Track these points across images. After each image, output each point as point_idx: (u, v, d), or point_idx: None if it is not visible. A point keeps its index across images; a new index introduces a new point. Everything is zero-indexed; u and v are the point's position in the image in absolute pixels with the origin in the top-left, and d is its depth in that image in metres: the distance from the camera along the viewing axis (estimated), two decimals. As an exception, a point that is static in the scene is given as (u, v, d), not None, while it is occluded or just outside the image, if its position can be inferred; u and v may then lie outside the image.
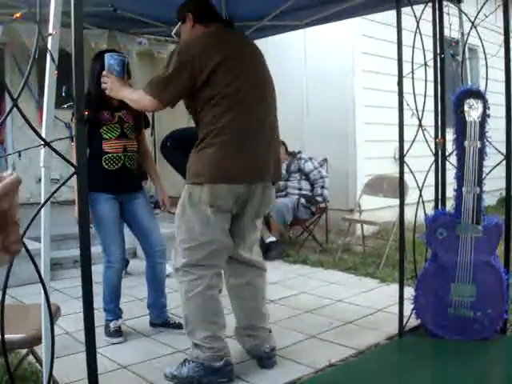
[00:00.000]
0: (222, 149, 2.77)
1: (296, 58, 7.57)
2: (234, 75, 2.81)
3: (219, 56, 2.76)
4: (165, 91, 2.78)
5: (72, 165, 1.83)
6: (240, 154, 2.80)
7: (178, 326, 3.54)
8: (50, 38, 2.00)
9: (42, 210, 1.98)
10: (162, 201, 3.85)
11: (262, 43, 6.91)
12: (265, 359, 3.08)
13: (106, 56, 2.95)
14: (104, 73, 2.96)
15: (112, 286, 3.54)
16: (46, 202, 1.95)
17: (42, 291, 1.95)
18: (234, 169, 2.79)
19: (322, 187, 6.25)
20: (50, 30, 1.99)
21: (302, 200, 6.14)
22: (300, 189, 6.27)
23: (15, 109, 1.79)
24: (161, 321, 3.73)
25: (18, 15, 1.56)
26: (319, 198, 6.26)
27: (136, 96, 2.91)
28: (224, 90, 2.77)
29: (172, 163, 5.76)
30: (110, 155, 3.44)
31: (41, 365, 2.47)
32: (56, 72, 2.02)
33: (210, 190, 2.78)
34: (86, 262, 1.93)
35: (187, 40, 2.92)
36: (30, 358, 2.75)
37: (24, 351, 2.73)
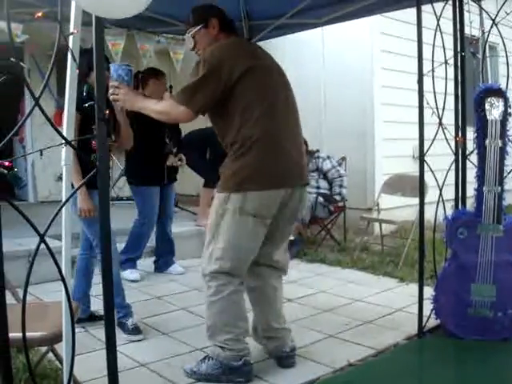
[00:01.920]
0: (263, 154, 2.78)
1: (314, 56, 7.54)
2: (261, 82, 2.85)
3: (246, 64, 2.80)
4: (194, 99, 2.77)
5: (93, 164, 1.83)
6: (279, 159, 2.82)
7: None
8: (71, 37, 2.01)
9: (63, 209, 1.99)
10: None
11: (280, 42, 6.99)
12: (285, 359, 3.08)
13: (113, 66, 2.86)
14: (113, 83, 2.80)
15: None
16: (67, 200, 1.96)
17: (63, 289, 1.96)
18: (277, 173, 2.81)
19: (340, 186, 6.23)
20: (71, 29, 2.00)
21: (320, 199, 6.12)
22: (318, 187, 6.25)
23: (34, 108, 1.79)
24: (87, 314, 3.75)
25: (39, 14, 1.57)
26: (337, 197, 6.24)
27: (165, 107, 2.90)
28: (253, 96, 2.80)
29: (189, 163, 5.81)
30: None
31: (61, 362, 2.49)
32: (77, 70, 2.03)
33: (255, 197, 2.77)
34: (106, 260, 1.94)
35: (215, 47, 2.90)
36: (50, 355, 2.77)
37: (44, 349, 2.76)
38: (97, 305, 3.66)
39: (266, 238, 2.94)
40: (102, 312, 3.53)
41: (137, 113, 2.94)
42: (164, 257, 5.26)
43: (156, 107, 2.90)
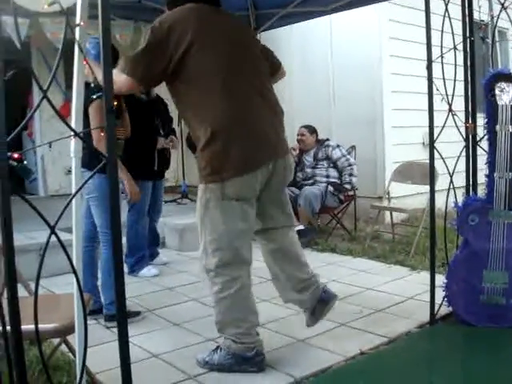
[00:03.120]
0: (231, 139, 2.68)
1: (322, 45, 7.50)
2: (218, 54, 2.71)
3: (197, 32, 2.64)
4: (137, 68, 2.63)
5: (102, 155, 1.83)
6: (249, 140, 2.73)
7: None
8: (77, 29, 2.01)
9: (73, 201, 1.99)
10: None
11: (286, 32, 6.96)
12: (324, 293, 3.08)
13: (91, 40, 2.77)
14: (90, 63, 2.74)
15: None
16: (77, 191, 1.96)
17: (75, 281, 1.97)
18: (250, 157, 2.72)
19: (350, 175, 6.20)
20: (78, 21, 2.00)
21: (330, 188, 6.10)
22: (328, 176, 6.23)
23: (42, 102, 1.79)
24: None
25: (46, 6, 1.57)
26: (347, 186, 6.22)
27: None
28: (209, 72, 2.67)
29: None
30: None
31: (74, 354, 2.51)
32: (84, 61, 2.03)
33: (234, 184, 2.70)
34: (117, 254, 1.94)
35: (165, 14, 2.77)
36: (63, 347, 2.79)
37: (57, 341, 2.77)
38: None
39: (263, 208, 2.91)
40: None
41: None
42: (149, 248, 5.18)
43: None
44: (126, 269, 4.64)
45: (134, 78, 2.65)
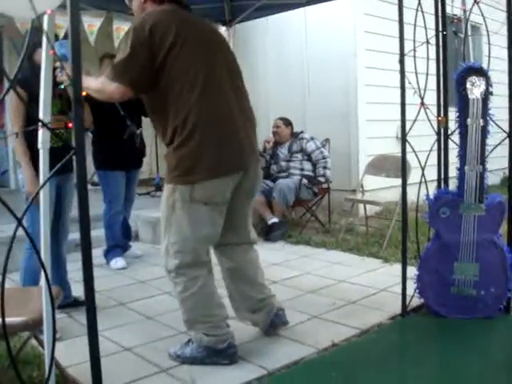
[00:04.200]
0: (205, 141, 2.64)
1: (297, 37, 7.50)
2: (196, 55, 2.69)
3: (177, 33, 2.62)
4: (125, 73, 2.58)
5: (69, 146, 1.80)
6: (224, 143, 2.70)
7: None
8: (45, 18, 1.97)
9: (41, 192, 1.96)
10: None
11: (262, 24, 6.94)
12: (276, 317, 3.12)
13: (56, 44, 2.58)
14: (58, 64, 2.55)
15: None
16: (45, 183, 1.93)
17: (43, 273, 1.94)
18: (224, 160, 2.70)
19: (325, 167, 6.22)
20: (44, 9, 1.96)
21: (304, 180, 6.11)
22: (302, 169, 6.24)
23: (12, 92, 1.76)
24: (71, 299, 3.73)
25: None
26: (321, 179, 6.24)
27: (99, 85, 2.65)
28: (188, 72, 2.65)
29: None
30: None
31: (44, 348, 2.47)
32: (51, 51, 1.99)
33: (205, 187, 2.67)
34: (86, 246, 1.91)
35: (145, 15, 2.71)
36: (34, 341, 2.75)
37: (26, 335, 2.74)
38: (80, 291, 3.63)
39: (228, 219, 2.88)
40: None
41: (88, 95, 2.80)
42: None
43: (93, 85, 2.66)
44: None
45: (124, 84, 2.59)
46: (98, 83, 2.66)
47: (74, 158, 1.82)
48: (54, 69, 2.60)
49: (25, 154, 3.26)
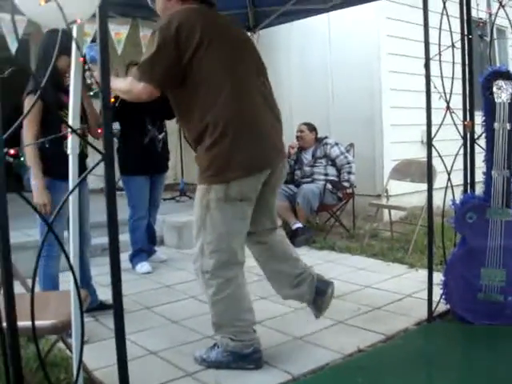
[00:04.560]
0: (239, 140, 2.65)
1: (320, 43, 7.50)
2: (227, 54, 2.70)
3: (206, 31, 2.64)
4: (153, 72, 2.60)
5: (99, 151, 1.83)
6: (257, 142, 2.72)
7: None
8: (74, 26, 2.00)
9: (70, 197, 1.99)
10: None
11: (285, 29, 6.96)
12: (321, 284, 3.12)
13: (87, 48, 2.69)
14: (90, 66, 2.59)
15: None
16: (73, 189, 1.97)
17: (72, 278, 1.97)
18: (256, 158, 2.72)
19: (349, 172, 6.20)
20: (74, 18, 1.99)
21: (329, 186, 6.10)
22: (326, 174, 6.23)
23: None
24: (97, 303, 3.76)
25: (42, 2, 1.56)
26: (346, 184, 6.22)
27: (126, 85, 2.71)
28: (219, 71, 2.66)
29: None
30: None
31: (71, 351, 2.51)
32: (81, 59, 2.03)
33: (240, 184, 2.69)
34: (114, 248, 1.94)
35: (171, 14, 2.73)
36: (61, 344, 2.79)
37: (54, 338, 2.77)
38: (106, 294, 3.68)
39: (254, 213, 2.89)
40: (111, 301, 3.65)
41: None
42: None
43: (121, 86, 2.72)
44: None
45: (152, 84, 2.61)
46: (126, 84, 2.71)
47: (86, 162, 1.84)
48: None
49: (37, 163, 3.29)
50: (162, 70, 2.61)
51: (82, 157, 3.30)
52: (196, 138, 2.74)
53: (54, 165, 3.08)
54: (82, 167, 3.43)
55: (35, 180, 3.33)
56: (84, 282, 3.56)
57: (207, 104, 2.66)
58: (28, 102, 3.23)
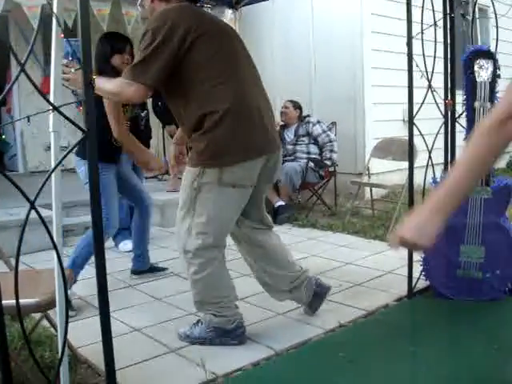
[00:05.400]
0: (235, 125, 2.66)
1: (303, 20, 7.48)
2: (220, 46, 2.71)
3: (199, 26, 2.64)
4: (148, 73, 2.55)
5: (81, 129, 1.82)
6: (253, 128, 2.73)
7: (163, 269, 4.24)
8: (54, 1, 1.99)
9: (53, 176, 1.98)
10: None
11: (268, 8, 6.92)
12: (319, 288, 3.20)
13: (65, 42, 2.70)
14: (65, 62, 2.60)
15: None
16: (55, 167, 1.96)
17: (55, 256, 1.97)
18: (252, 144, 2.72)
19: (331, 151, 6.23)
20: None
21: (311, 164, 6.13)
22: (308, 153, 6.26)
23: (21, 78, 1.78)
24: (148, 266, 4.17)
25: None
26: (328, 162, 6.25)
27: (115, 87, 2.63)
28: (214, 62, 2.67)
29: (163, 121, 5.83)
30: None
31: (55, 329, 2.52)
32: (62, 35, 2.01)
33: (234, 170, 2.68)
34: (97, 226, 1.95)
35: (160, 13, 2.71)
36: (45, 322, 2.80)
37: (38, 316, 2.78)
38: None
39: (250, 204, 2.92)
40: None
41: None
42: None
43: (106, 87, 2.63)
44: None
45: (145, 85, 2.58)
46: (114, 86, 2.64)
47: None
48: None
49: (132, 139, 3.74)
50: (158, 70, 2.58)
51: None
52: (193, 126, 2.72)
53: (100, 150, 3.27)
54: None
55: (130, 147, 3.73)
56: (144, 246, 4.09)
57: (203, 93, 2.65)
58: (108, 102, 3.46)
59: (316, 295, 3.19)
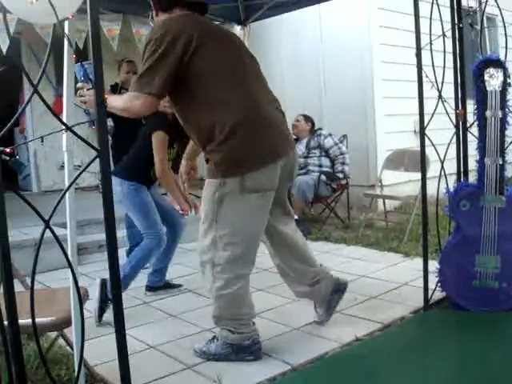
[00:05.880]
0: (251, 133, 2.66)
1: (312, 34, 7.51)
2: (222, 53, 2.72)
3: (199, 35, 2.63)
4: (153, 83, 2.55)
5: (94, 148, 1.84)
6: (268, 133, 2.73)
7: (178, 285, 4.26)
8: (66, 23, 2.01)
9: (67, 194, 2.00)
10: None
11: (276, 22, 6.95)
12: (338, 284, 3.25)
13: (77, 66, 2.57)
14: (80, 85, 2.61)
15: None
16: (70, 185, 1.97)
17: (70, 274, 1.98)
18: (269, 149, 2.72)
19: (343, 163, 6.23)
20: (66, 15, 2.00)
21: (323, 177, 6.12)
22: (320, 166, 6.25)
23: (34, 98, 1.80)
24: (163, 283, 4.18)
25: (34, 1, 1.57)
26: (340, 175, 6.24)
27: (124, 103, 2.63)
28: (218, 71, 2.67)
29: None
30: None
31: (71, 347, 2.52)
32: (74, 56, 2.03)
33: (255, 176, 2.67)
34: (112, 244, 1.95)
35: (162, 22, 2.72)
36: (61, 341, 2.81)
37: (54, 335, 2.79)
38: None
39: (274, 204, 2.92)
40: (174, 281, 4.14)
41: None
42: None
43: (118, 104, 2.63)
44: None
45: (153, 95, 2.58)
46: (123, 101, 2.64)
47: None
48: (76, 91, 2.64)
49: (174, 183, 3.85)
50: (163, 79, 2.58)
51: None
52: (205, 138, 2.72)
53: (138, 172, 3.74)
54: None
55: (175, 194, 3.89)
56: (165, 263, 4.15)
57: (212, 103, 2.66)
58: (156, 137, 3.72)
59: (334, 292, 3.23)
